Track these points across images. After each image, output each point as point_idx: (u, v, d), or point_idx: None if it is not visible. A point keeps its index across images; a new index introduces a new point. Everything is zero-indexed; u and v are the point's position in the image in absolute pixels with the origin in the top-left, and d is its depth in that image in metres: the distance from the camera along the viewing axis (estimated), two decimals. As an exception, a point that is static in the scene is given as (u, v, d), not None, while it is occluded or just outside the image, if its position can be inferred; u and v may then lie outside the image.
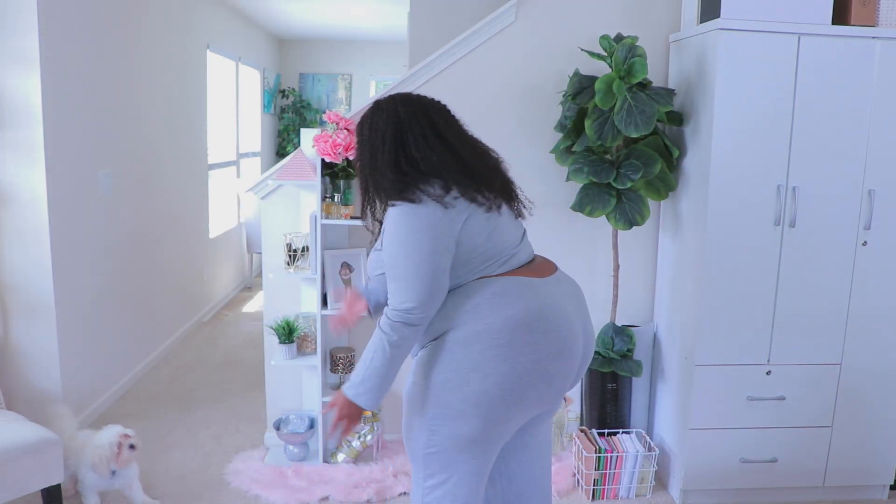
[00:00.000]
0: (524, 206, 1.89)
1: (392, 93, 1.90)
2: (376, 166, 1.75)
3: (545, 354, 1.67)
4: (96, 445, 2.53)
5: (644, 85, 2.67)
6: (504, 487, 1.97)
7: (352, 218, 2.89)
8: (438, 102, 1.84)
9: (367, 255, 2.13)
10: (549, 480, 2.02)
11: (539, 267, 1.80)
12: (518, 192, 1.88)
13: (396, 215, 1.69)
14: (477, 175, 1.75)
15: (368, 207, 1.82)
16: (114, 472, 2.55)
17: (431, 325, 1.73)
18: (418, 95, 1.84)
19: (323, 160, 2.80)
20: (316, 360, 2.96)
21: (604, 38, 2.71)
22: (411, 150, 1.73)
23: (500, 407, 1.68)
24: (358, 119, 1.85)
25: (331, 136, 2.74)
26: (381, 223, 1.80)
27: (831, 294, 2.67)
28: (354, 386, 1.72)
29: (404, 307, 1.66)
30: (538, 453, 1.97)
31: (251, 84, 6.85)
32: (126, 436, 2.56)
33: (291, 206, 3.06)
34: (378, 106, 1.81)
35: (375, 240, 1.86)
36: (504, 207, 1.81)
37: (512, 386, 1.66)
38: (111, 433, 2.56)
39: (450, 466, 1.74)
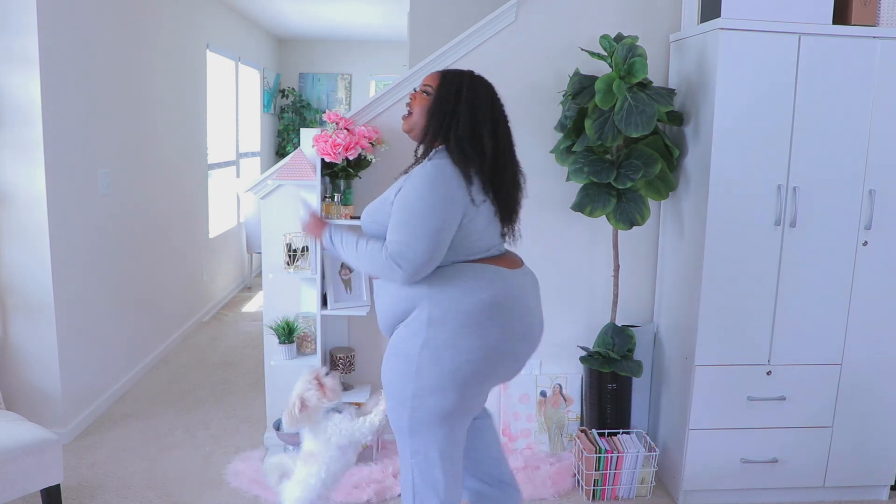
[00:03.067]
0: (515, 232, 2.02)
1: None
2: (463, 116, 1.87)
3: (512, 335, 1.86)
4: (293, 400, 2.21)
5: (644, 85, 2.67)
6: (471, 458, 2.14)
7: (352, 218, 2.89)
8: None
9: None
10: (499, 449, 2.19)
11: (509, 259, 1.97)
12: (518, 215, 2.01)
13: (434, 166, 1.81)
14: (497, 179, 1.92)
15: (429, 133, 1.90)
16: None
17: (409, 301, 1.83)
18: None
19: (323, 160, 2.80)
20: (316, 361, 2.95)
21: (604, 37, 2.70)
22: (487, 136, 1.88)
23: (474, 380, 1.83)
24: (450, 69, 2.00)
25: (331, 136, 2.74)
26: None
27: (831, 294, 2.67)
28: (333, 232, 1.97)
29: (401, 248, 1.76)
30: (485, 425, 2.16)
31: (251, 84, 6.85)
32: (316, 372, 2.25)
33: (291, 206, 3.06)
34: (482, 79, 1.97)
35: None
36: (495, 209, 1.93)
37: (483, 361, 1.82)
38: (302, 383, 2.23)
39: (431, 437, 1.88)
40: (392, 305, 1.88)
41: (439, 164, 1.81)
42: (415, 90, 2.02)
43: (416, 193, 1.78)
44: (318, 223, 2.05)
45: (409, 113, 1.97)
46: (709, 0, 2.65)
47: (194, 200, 5.05)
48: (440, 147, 1.89)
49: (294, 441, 3.01)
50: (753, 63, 2.50)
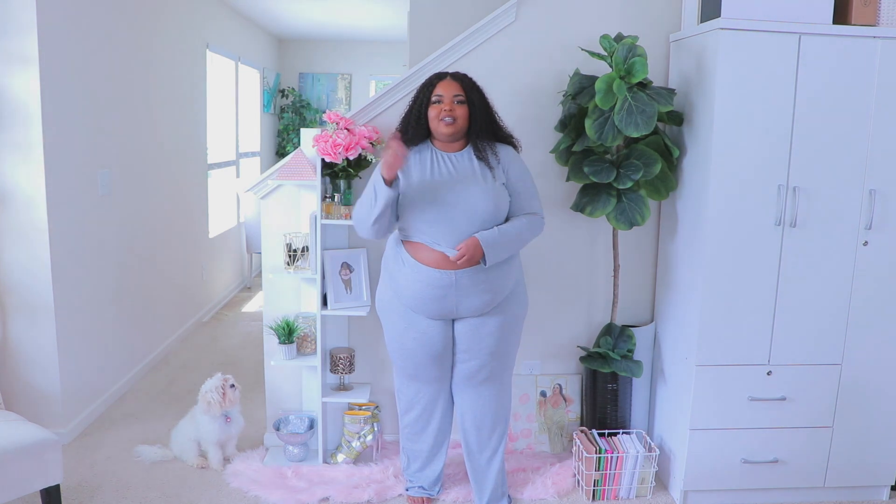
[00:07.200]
0: None
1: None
2: (491, 109, 2.52)
3: None
4: (203, 392, 2.94)
5: (644, 85, 2.67)
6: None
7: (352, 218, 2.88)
8: None
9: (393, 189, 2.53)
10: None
11: None
12: None
13: (516, 152, 2.55)
14: None
15: (476, 130, 2.46)
16: (227, 418, 3.00)
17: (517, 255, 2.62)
18: None
19: (323, 160, 2.80)
20: (316, 361, 2.95)
21: (604, 37, 2.70)
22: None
23: None
24: (456, 73, 2.49)
25: (331, 136, 2.74)
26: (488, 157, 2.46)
27: (832, 294, 2.67)
28: (491, 253, 2.35)
29: (541, 210, 2.56)
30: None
31: (251, 84, 6.85)
32: (226, 379, 2.98)
33: (291, 206, 3.06)
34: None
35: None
36: None
37: None
38: (213, 381, 2.97)
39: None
40: (517, 266, 2.52)
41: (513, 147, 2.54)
42: (431, 101, 2.43)
43: (528, 174, 2.52)
44: (475, 253, 2.34)
45: (455, 120, 2.41)
46: (709, 0, 2.65)
47: (194, 200, 5.05)
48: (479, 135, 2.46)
49: (295, 441, 3.01)
50: (753, 63, 2.50)
